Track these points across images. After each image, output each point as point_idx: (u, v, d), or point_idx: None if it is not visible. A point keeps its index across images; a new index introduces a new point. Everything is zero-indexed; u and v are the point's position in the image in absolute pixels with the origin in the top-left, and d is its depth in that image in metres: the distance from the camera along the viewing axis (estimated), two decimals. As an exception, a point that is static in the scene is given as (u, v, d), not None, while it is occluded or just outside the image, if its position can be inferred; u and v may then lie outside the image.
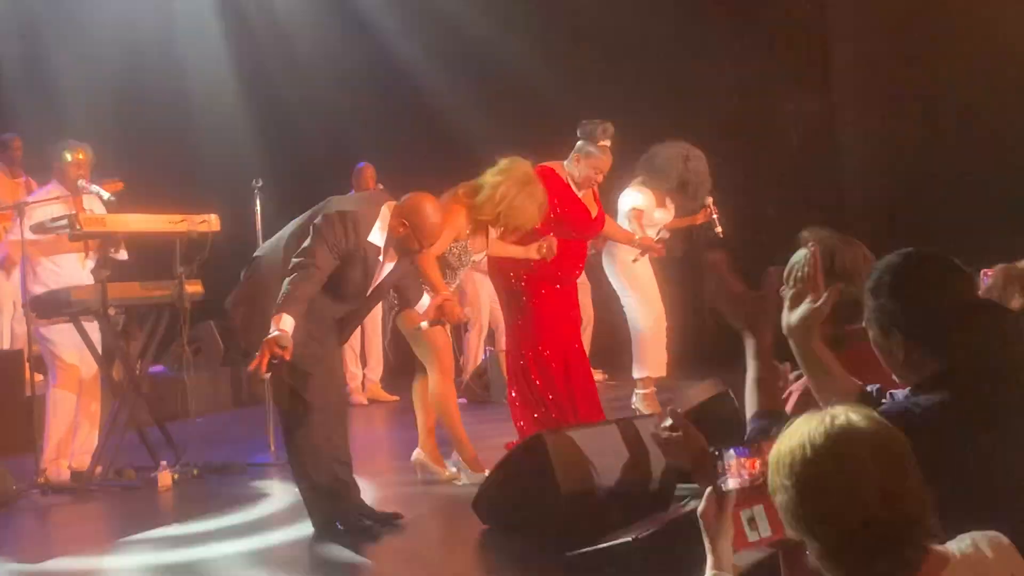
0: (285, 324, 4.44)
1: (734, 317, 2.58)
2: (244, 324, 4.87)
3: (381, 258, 4.85)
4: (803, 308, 2.57)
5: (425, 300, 5.23)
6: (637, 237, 7.07)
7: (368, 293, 4.96)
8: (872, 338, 2.48)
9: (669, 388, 7.56)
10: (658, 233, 7.42)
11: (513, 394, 6.39)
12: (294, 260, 4.63)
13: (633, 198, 7.45)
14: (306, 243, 4.66)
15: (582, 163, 6.39)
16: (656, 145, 7.65)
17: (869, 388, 2.59)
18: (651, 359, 7.45)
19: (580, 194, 6.45)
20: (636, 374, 7.50)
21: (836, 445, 1.79)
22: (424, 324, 5.37)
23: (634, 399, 7.48)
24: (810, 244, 2.72)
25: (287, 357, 4.42)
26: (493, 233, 5.99)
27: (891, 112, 9.67)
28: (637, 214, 7.35)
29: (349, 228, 4.69)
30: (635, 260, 7.22)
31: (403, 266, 5.04)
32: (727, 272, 2.60)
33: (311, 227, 4.71)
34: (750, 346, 2.56)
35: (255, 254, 5.09)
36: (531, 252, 6.13)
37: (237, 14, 11.09)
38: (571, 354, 6.41)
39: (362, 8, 11.01)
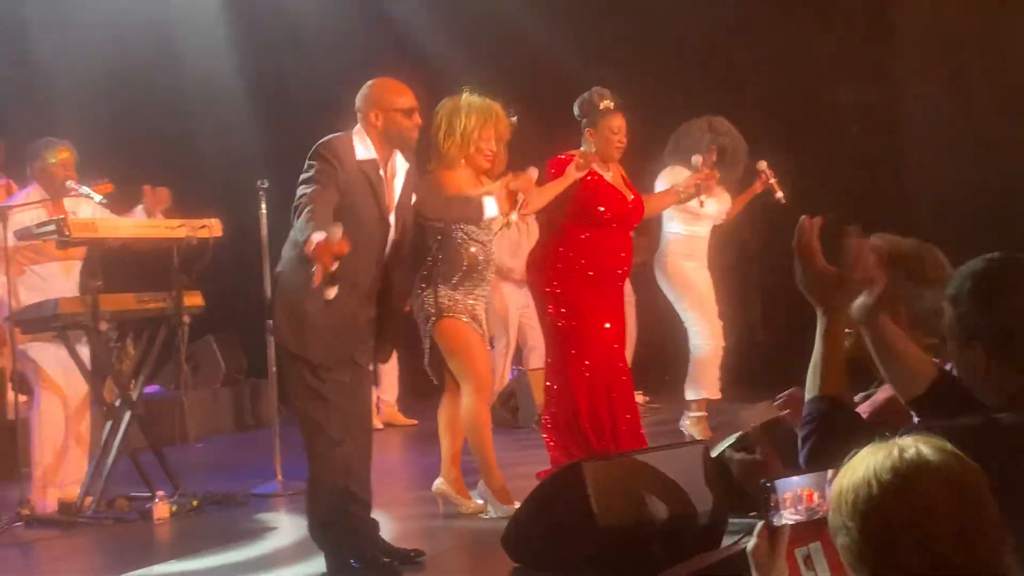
0: (319, 237, 4.30)
1: (810, 291, 2.60)
2: (298, 341, 4.82)
3: (382, 172, 4.89)
4: (861, 298, 2.64)
5: (490, 207, 5.38)
6: (679, 187, 6.95)
7: (392, 217, 4.92)
8: (950, 351, 2.49)
9: (720, 411, 7.56)
10: (696, 162, 7.29)
11: (547, 417, 6.39)
12: (296, 206, 4.62)
13: (670, 177, 7.39)
14: (299, 195, 4.66)
15: (595, 135, 6.40)
16: (675, 131, 7.72)
17: (948, 366, 2.60)
18: (708, 379, 7.48)
19: (608, 177, 6.44)
20: (691, 395, 7.50)
21: (905, 481, 1.79)
22: (513, 217, 5.57)
23: (684, 421, 7.48)
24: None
25: (344, 250, 4.28)
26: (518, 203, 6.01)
27: (964, 99, 9.59)
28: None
29: (331, 157, 4.75)
30: (701, 205, 7.17)
31: (412, 176, 5.05)
32: (815, 242, 2.61)
33: (297, 188, 4.72)
34: (821, 324, 2.58)
35: (277, 270, 5.05)
36: (570, 172, 6.10)
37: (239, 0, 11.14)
38: (615, 374, 6.39)
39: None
